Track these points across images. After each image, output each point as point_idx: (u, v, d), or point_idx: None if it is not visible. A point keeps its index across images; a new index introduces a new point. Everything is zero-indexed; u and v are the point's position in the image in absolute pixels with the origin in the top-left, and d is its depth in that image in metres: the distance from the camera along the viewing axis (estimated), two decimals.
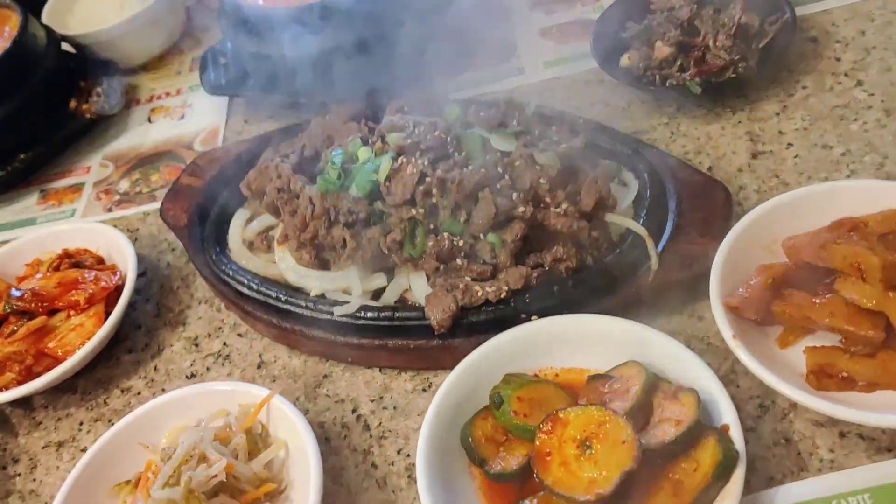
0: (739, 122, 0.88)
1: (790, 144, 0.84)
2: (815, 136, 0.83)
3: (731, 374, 0.68)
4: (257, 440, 0.71)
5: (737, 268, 0.69)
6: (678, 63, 0.91)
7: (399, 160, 0.78)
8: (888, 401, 0.61)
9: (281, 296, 0.80)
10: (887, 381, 0.61)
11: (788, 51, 0.89)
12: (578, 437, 0.59)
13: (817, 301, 0.65)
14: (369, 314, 0.76)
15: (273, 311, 0.81)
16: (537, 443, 0.60)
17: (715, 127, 0.88)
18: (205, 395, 0.74)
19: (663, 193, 0.78)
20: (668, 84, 0.90)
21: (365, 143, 0.83)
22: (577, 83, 0.99)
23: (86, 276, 0.87)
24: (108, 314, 0.84)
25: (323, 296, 0.80)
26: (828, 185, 0.74)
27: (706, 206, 0.76)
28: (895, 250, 0.65)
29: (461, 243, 0.75)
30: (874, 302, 0.61)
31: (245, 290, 0.83)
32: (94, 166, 1.13)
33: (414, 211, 0.76)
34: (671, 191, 0.78)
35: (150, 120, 1.17)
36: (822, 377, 0.62)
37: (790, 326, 0.67)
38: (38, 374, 0.82)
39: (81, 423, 0.82)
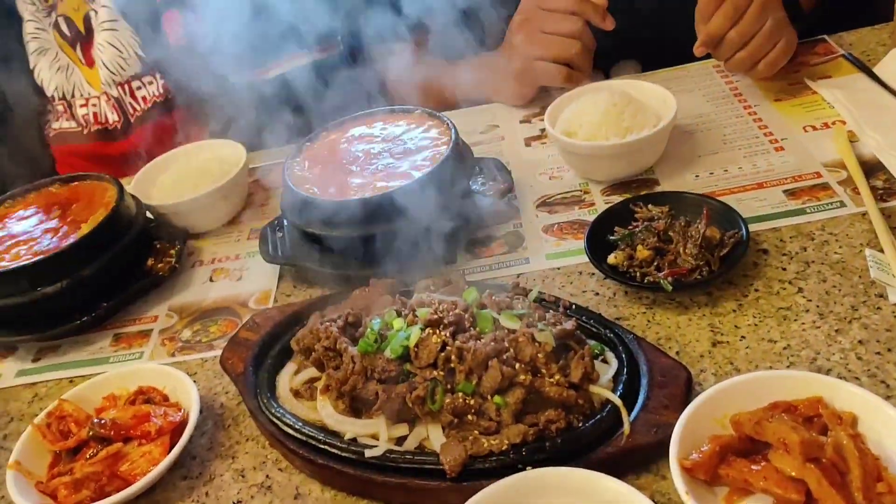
0: (703, 315, 1.07)
1: (743, 337, 1.02)
2: (763, 331, 1.02)
3: None
4: None
5: (693, 436, 0.85)
6: (655, 264, 1.12)
7: (426, 331, 0.97)
8: None
9: (319, 437, 0.97)
10: None
11: (743, 260, 1.10)
12: None
13: (755, 468, 0.81)
14: (393, 456, 0.93)
15: (311, 449, 0.97)
16: None
17: (683, 318, 1.07)
18: None
19: (637, 371, 0.96)
20: (646, 280, 1.10)
21: (399, 314, 1.02)
22: (572, 273, 1.20)
23: (156, 410, 1.04)
24: (171, 445, 1.01)
25: (355, 439, 0.96)
26: (769, 373, 0.92)
27: (672, 384, 0.94)
28: (817, 430, 0.83)
29: (472, 402, 0.93)
30: (796, 471, 0.78)
31: (289, 430, 0.99)
32: (161, 316, 1.32)
33: (436, 373, 0.94)
34: (644, 370, 0.96)
35: (211, 279, 1.38)
36: None
37: (734, 487, 0.83)
38: (109, 494, 0.97)
39: None
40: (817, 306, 1.03)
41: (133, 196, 1.41)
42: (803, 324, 1.02)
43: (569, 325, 0.99)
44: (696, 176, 1.34)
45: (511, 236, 1.30)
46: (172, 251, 1.37)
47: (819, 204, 1.20)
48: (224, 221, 1.51)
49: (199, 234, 1.50)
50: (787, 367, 0.97)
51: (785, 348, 0.99)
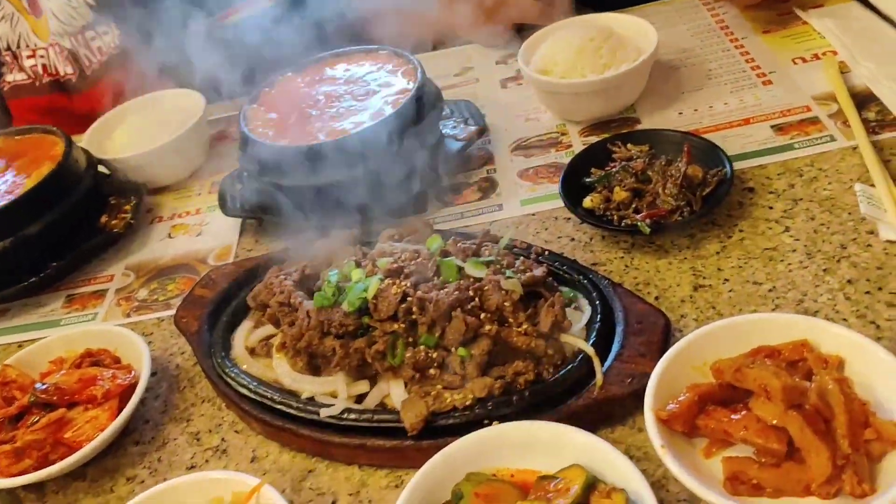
0: (685, 258, 1.01)
1: (726, 280, 0.96)
2: (748, 273, 0.96)
3: (662, 480, 0.78)
4: None
5: (671, 386, 0.79)
6: (633, 206, 1.05)
7: (385, 282, 0.90)
8: None
9: (275, 397, 0.91)
10: (790, 489, 0.70)
11: (727, 199, 1.04)
12: None
13: (734, 417, 0.75)
14: (352, 416, 0.87)
15: (267, 410, 0.91)
16: None
17: (663, 262, 1.01)
18: (201, 484, 0.83)
19: (612, 319, 0.90)
20: (623, 224, 1.03)
21: (358, 265, 0.96)
22: (548, 219, 1.13)
23: (104, 373, 0.98)
24: (121, 409, 0.95)
25: (312, 399, 0.90)
26: (752, 317, 0.85)
27: (649, 331, 0.88)
28: (802, 375, 0.77)
29: (435, 355, 0.86)
30: (777, 419, 0.72)
31: (244, 391, 0.94)
32: (117, 275, 1.25)
33: (396, 326, 0.88)
34: (619, 317, 0.90)
35: (170, 236, 1.31)
36: (737, 484, 0.72)
37: (713, 439, 0.77)
38: (53, 462, 0.91)
39: None
40: (805, 245, 0.97)
41: (84, 150, 1.33)
42: (790, 264, 0.95)
43: (538, 271, 0.92)
44: (680, 113, 1.26)
45: (484, 182, 1.23)
46: (128, 207, 1.30)
47: (808, 139, 1.13)
48: (185, 175, 1.43)
49: (160, 188, 1.42)
50: (773, 309, 0.91)
51: (770, 290, 0.93)
